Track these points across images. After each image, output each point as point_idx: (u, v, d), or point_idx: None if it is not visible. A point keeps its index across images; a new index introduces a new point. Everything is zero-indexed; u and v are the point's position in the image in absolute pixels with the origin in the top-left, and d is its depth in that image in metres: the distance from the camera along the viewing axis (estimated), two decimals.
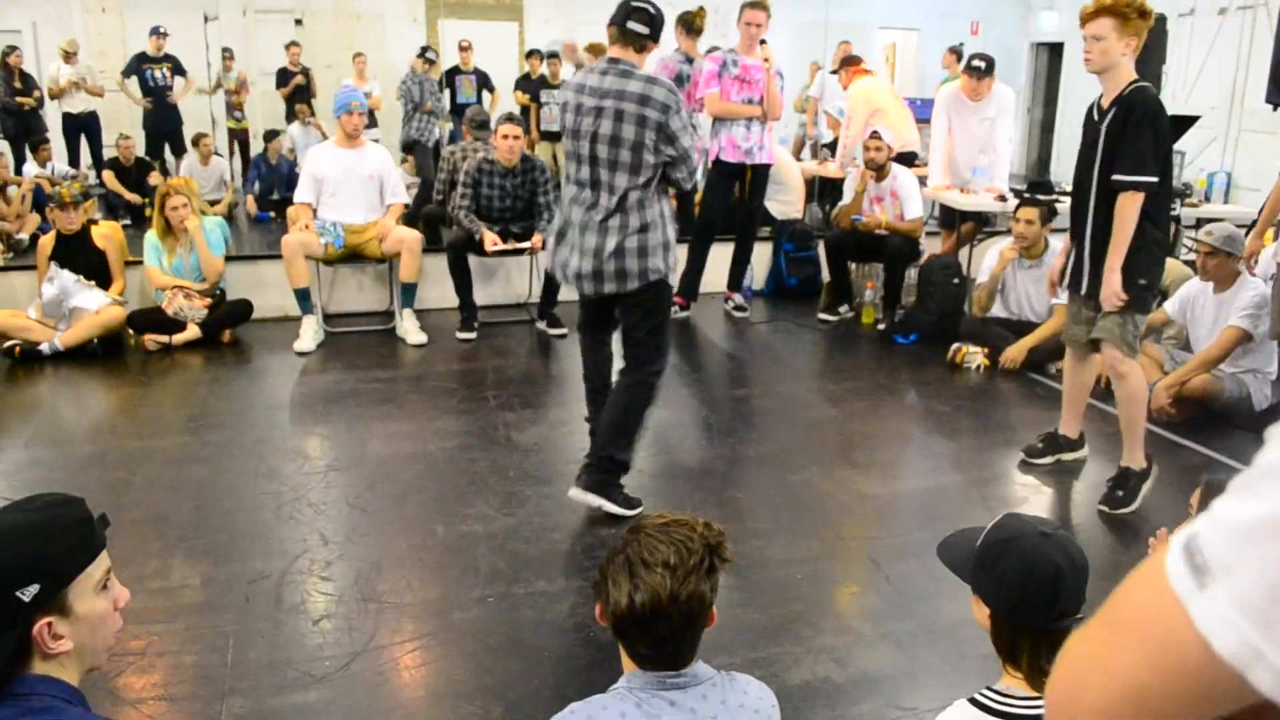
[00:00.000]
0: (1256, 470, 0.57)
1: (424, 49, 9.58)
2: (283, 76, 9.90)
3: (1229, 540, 0.55)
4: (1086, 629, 0.64)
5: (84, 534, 1.53)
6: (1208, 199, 7.53)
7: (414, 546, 3.54)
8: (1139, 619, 0.59)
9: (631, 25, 3.58)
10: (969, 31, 12.16)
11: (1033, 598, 1.79)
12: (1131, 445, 3.99)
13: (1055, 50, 13.01)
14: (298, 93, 9.85)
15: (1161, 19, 7.40)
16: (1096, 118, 3.74)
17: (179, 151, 9.43)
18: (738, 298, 6.77)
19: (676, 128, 3.52)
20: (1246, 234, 5.12)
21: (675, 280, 3.83)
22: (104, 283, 5.79)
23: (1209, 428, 4.84)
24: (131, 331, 5.78)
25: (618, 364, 3.92)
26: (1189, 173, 7.82)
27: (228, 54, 9.81)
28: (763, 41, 6.16)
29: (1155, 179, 3.58)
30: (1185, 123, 7.32)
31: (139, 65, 9.18)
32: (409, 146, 9.14)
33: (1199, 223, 6.23)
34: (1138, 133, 3.57)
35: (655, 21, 3.62)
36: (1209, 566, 0.55)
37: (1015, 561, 1.81)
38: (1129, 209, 3.62)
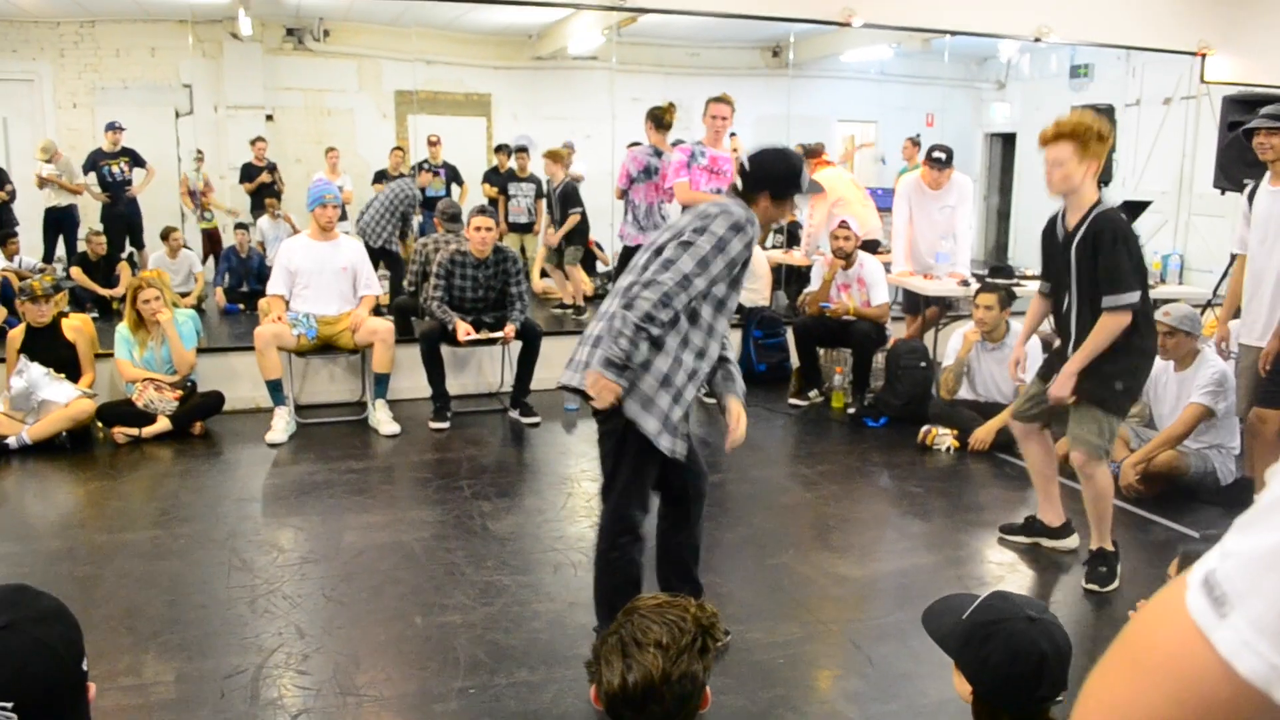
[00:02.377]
0: (1263, 505, 0.60)
1: (423, 163, 9.76)
2: (247, 171, 9.98)
3: (1245, 571, 0.59)
4: (1104, 672, 0.67)
5: None
6: (1163, 280, 7.74)
7: (392, 638, 3.50)
8: (1161, 656, 0.62)
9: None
10: (925, 123, 12.50)
11: (1016, 682, 1.82)
12: (1101, 532, 4.05)
13: (1009, 140, 13.39)
14: (264, 187, 9.93)
15: (1110, 109, 7.67)
16: (1061, 236, 3.87)
17: (138, 245, 9.44)
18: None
19: (700, 240, 3.04)
20: (1201, 312, 5.27)
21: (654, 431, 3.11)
22: (73, 376, 5.76)
23: (1176, 503, 4.92)
24: (101, 424, 5.74)
25: None
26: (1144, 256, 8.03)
27: (199, 155, 9.90)
28: (732, 134, 6.33)
29: (1138, 296, 3.71)
30: (1138, 208, 7.56)
31: (95, 161, 9.22)
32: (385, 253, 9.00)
33: (1156, 304, 6.38)
34: (1113, 255, 3.68)
35: (749, 174, 3.25)
36: (1227, 597, 0.59)
37: (1001, 646, 1.83)
38: (1112, 327, 3.73)
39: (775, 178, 3.24)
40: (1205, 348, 5.15)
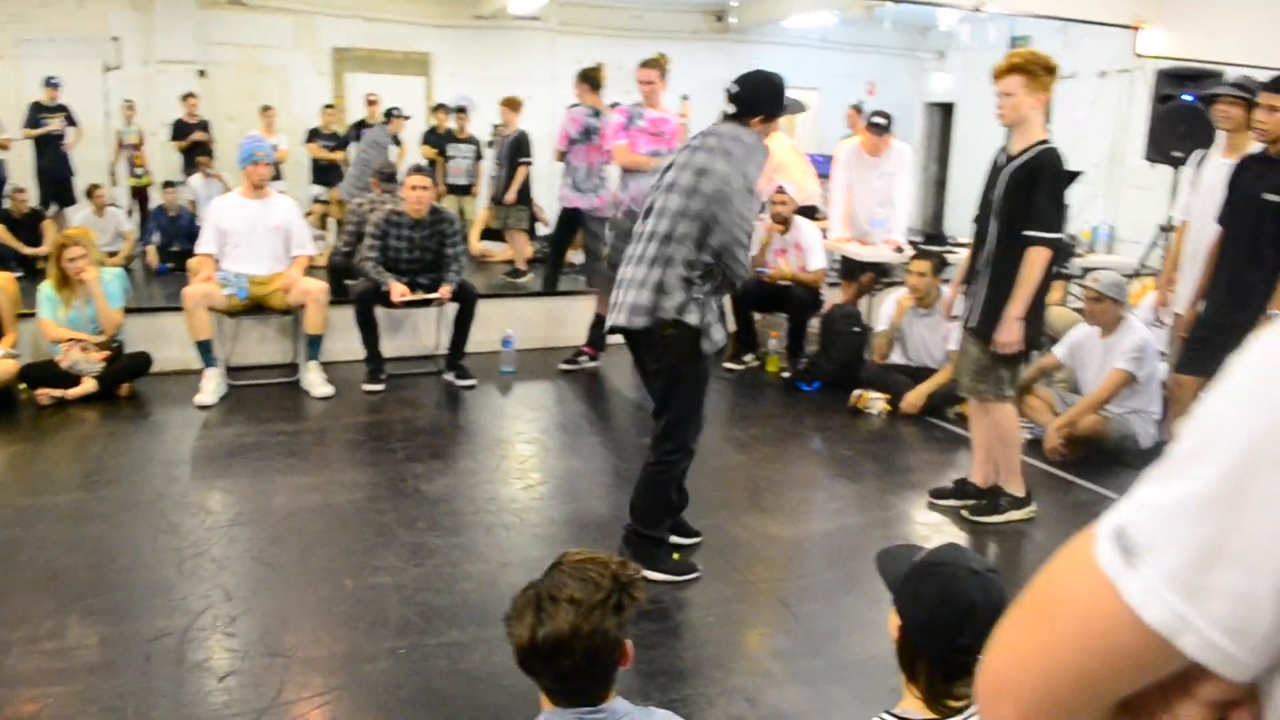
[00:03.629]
0: (1176, 457, 0.62)
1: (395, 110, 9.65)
2: (179, 129, 9.75)
3: (1154, 521, 0.61)
4: (1015, 619, 0.68)
5: None
6: (1093, 250, 7.88)
7: (322, 600, 3.49)
8: (1070, 603, 0.64)
9: (724, 105, 3.52)
10: (866, 91, 12.56)
11: (940, 622, 1.87)
12: (1006, 474, 4.17)
13: (947, 110, 13.51)
14: (196, 145, 9.72)
15: None
16: (1002, 162, 3.95)
17: (69, 201, 9.22)
18: None
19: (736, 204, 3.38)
20: (1129, 281, 5.39)
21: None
22: None
23: (1098, 466, 5.04)
24: (24, 386, 5.59)
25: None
26: (1074, 225, 8.16)
27: (129, 105, 9.64)
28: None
29: (1060, 235, 3.80)
30: (1070, 178, 7.66)
31: (35, 115, 9.00)
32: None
33: (1085, 272, 6.51)
34: (1043, 190, 3.79)
35: (739, 97, 3.48)
36: (1137, 547, 0.60)
37: (936, 585, 1.89)
38: (1039, 261, 3.82)
39: (766, 99, 3.48)
40: (1130, 315, 5.27)
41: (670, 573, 3.61)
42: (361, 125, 10.03)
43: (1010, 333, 3.89)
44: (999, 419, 4.10)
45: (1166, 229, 7.38)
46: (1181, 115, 7.18)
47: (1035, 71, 3.77)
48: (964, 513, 4.13)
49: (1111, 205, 9.73)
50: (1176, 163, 7.21)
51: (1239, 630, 0.57)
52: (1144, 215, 8.77)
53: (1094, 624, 0.62)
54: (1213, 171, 4.73)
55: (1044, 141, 3.88)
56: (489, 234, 9.87)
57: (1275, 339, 0.60)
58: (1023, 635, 0.68)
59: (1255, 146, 4.44)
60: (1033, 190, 3.81)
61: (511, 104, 9.08)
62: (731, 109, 3.46)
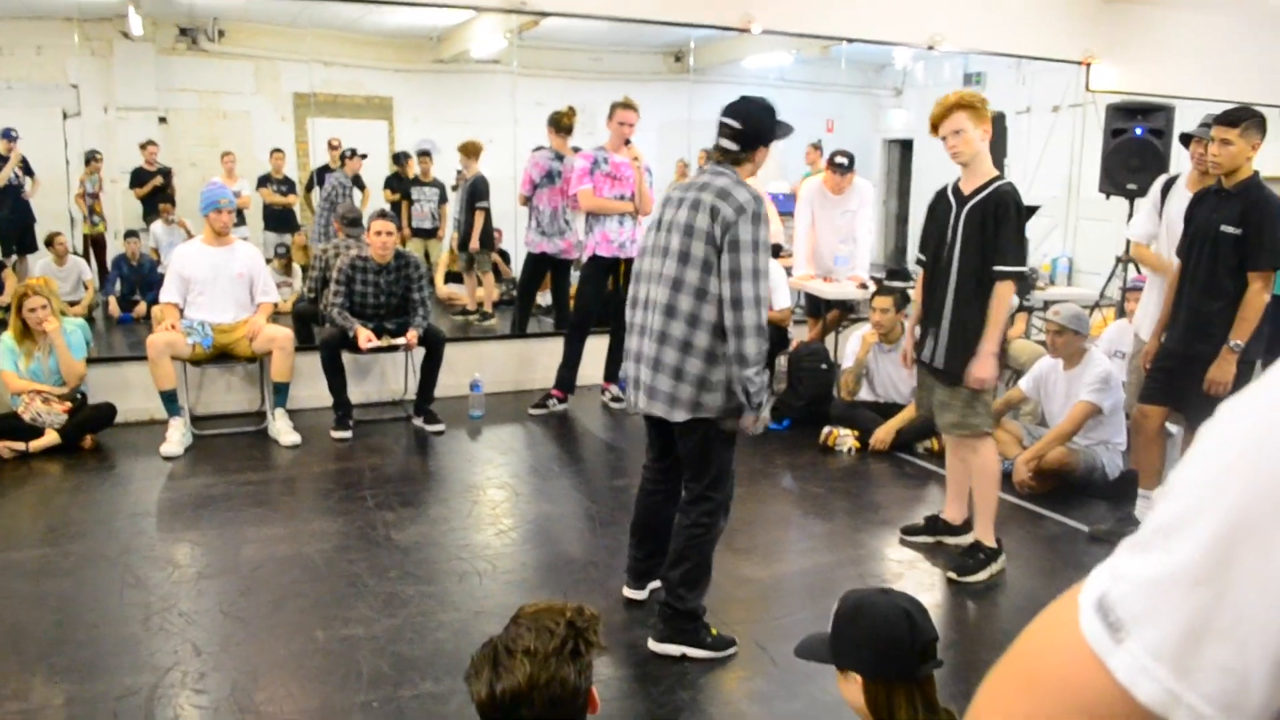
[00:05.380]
0: (1153, 527, 0.61)
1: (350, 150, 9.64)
2: (139, 176, 9.68)
3: (1139, 595, 0.60)
4: (997, 686, 0.68)
5: None
6: (1052, 282, 8.00)
7: (293, 653, 3.44)
8: (1055, 675, 0.63)
9: (721, 142, 3.37)
10: (825, 129, 12.72)
11: (892, 643, 1.92)
12: (984, 520, 4.19)
13: (906, 146, 13.70)
14: (157, 192, 9.65)
15: (1001, 115, 7.90)
16: (954, 202, 4.00)
17: (28, 249, 9.12)
18: (614, 389, 6.81)
19: (745, 237, 3.15)
20: (1090, 313, 5.48)
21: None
22: None
23: (1067, 498, 5.10)
24: None
25: None
26: (1034, 258, 8.29)
27: (96, 156, 9.57)
28: (627, 142, 6.34)
29: (1025, 268, 3.89)
30: (1028, 212, 7.79)
31: None
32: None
33: (1046, 305, 6.60)
34: (1008, 226, 3.85)
35: (744, 133, 3.33)
36: (1123, 622, 0.60)
37: (867, 621, 1.94)
38: (1006, 296, 3.90)
39: (770, 127, 3.37)
40: (1092, 347, 5.34)
41: (713, 649, 3.44)
42: (324, 170, 10.01)
43: (986, 368, 3.93)
44: (984, 456, 4.12)
45: (1124, 260, 7.52)
46: (1134, 148, 7.34)
47: (975, 105, 3.84)
48: (950, 575, 4.12)
49: (1069, 237, 9.90)
50: (1131, 195, 7.36)
51: (1232, 705, 0.57)
52: (1102, 247, 8.93)
53: (1081, 698, 0.62)
54: (1176, 203, 4.82)
55: (999, 177, 3.96)
56: (452, 277, 9.87)
57: (1249, 403, 0.60)
58: (1007, 704, 0.67)
59: None
60: (998, 226, 3.86)
61: (468, 149, 9.12)
62: (734, 145, 3.32)
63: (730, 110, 3.37)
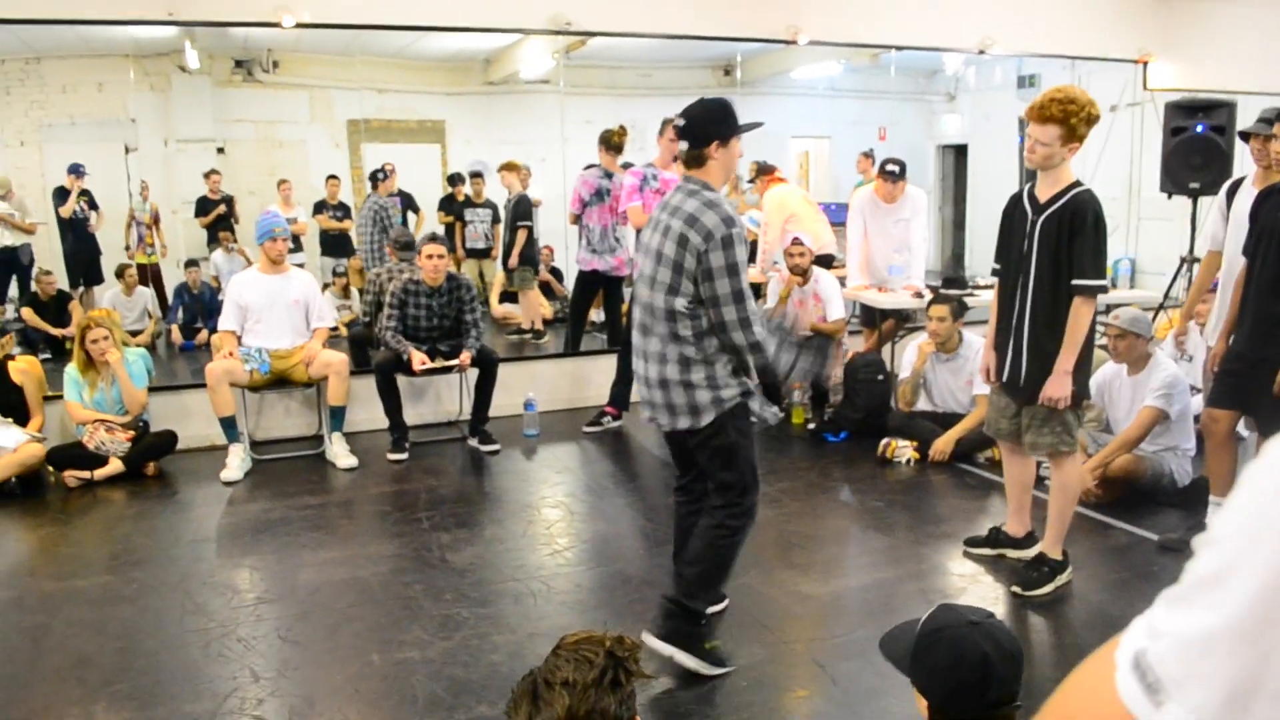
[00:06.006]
0: (1191, 582, 0.57)
1: (375, 171, 9.74)
2: (203, 205, 9.88)
3: (1179, 655, 0.56)
4: None
5: None
6: (1115, 285, 7.82)
7: (349, 678, 3.44)
8: None
9: (679, 145, 3.38)
10: (877, 137, 12.61)
11: (964, 686, 1.83)
12: (1054, 535, 4.07)
13: (960, 151, 13.53)
14: (220, 220, 9.83)
15: None
16: (1030, 210, 3.84)
17: (94, 281, 9.33)
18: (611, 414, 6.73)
19: (715, 265, 3.17)
20: (1153, 317, 5.32)
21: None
22: (21, 419, 5.65)
23: (1134, 506, 4.95)
24: (51, 469, 5.63)
25: None
26: None
27: (144, 186, 9.78)
28: (676, 158, 6.31)
29: (1105, 282, 3.74)
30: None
31: (62, 199, 9.18)
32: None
33: (1108, 308, 6.44)
34: (1086, 237, 3.67)
35: (689, 129, 3.34)
36: (1162, 683, 0.56)
37: (944, 651, 1.86)
38: (1085, 313, 3.74)
39: (716, 121, 3.33)
40: (1158, 351, 5.20)
41: (704, 662, 3.38)
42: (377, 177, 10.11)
43: (1060, 388, 3.78)
44: (1066, 473, 3.99)
45: (1189, 260, 7.33)
46: (1195, 146, 7.17)
47: (1075, 126, 3.63)
48: (1015, 589, 4.02)
49: (1131, 239, 9.68)
50: (1193, 194, 7.18)
51: None
52: (1164, 247, 8.72)
53: None
54: (1243, 201, 4.67)
55: (1077, 184, 3.76)
56: (508, 296, 9.92)
57: None
58: None
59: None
60: (1073, 237, 3.69)
61: (510, 167, 9.20)
62: (684, 143, 3.34)
63: (682, 111, 3.39)
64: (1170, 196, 7.51)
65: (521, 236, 9.04)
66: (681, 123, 3.35)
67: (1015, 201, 3.96)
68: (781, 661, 3.58)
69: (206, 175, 9.89)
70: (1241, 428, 4.57)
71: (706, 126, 3.32)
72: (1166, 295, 7.63)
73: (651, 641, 3.38)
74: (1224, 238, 4.83)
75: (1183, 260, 7.52)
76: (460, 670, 3.45)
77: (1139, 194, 9.60)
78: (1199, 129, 7.16)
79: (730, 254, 3.18)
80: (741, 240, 3.24)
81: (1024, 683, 3.19)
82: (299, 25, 6.21)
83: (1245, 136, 4.81)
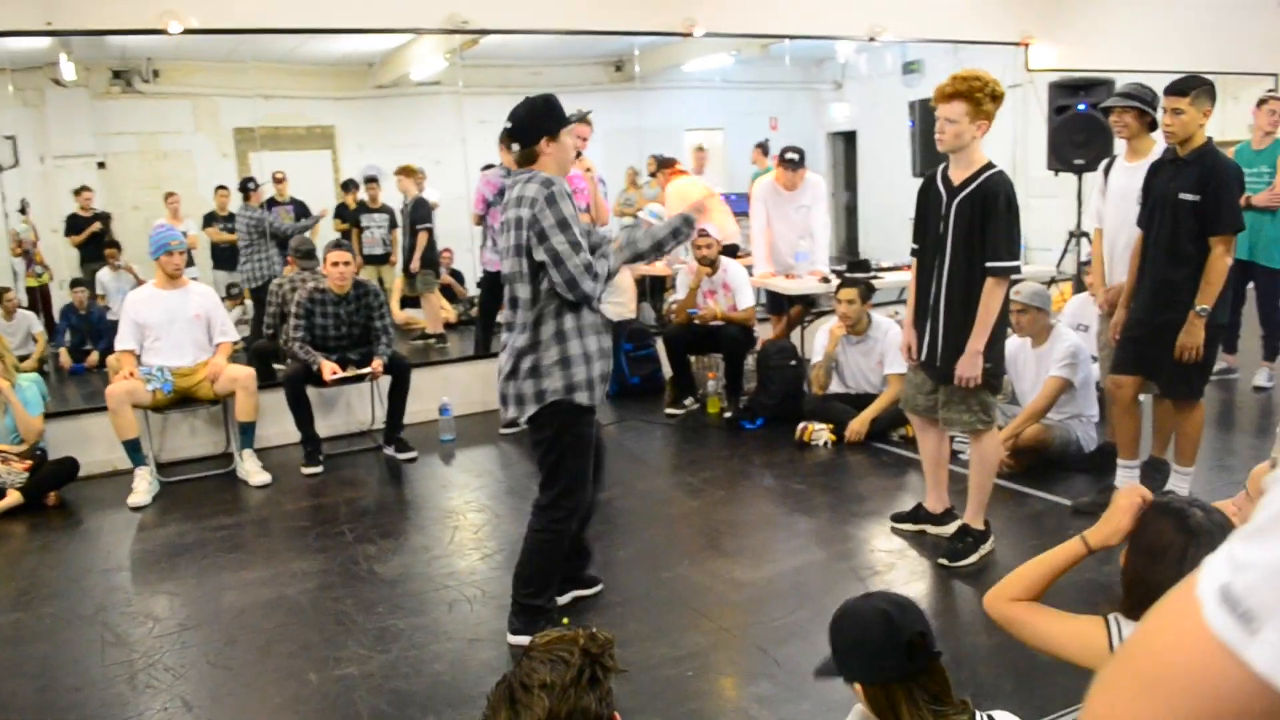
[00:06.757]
0: (1271, 514, 0.59)
1: (245, 180, 9.45)
2: (74, 223, 9.47)
3: (1269, 583, 0.57)
4: (1112, 694, 0.65)
5: None
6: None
7: (288, 699, 3.35)
8: (1182, 676, 0.60)
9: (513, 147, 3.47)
10: (769, 127, 12.77)
11: (876, 646, 1.92)
12: (975, 506, 4.18)
13: (849, 138, 13.79)
14: (94, 238, 9.44)
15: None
16: (944, 192, 3.92)
17: None
18: None
19: (546, 224, 3.25)
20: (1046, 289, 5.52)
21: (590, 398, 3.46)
22: None
23: (1046, 474, 5.13)
24: None
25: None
26: None
27: (23, 206, 9.36)
28: (578, 154, 6.30)
29: (1019, 263, 3.83)
30: None
31: None
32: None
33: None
34: (999, 219, 3.76)
35: (517, 130, 3.40)
36: (1254, 612, 0.57)
37: (849, 627, 1.97)
38: (997, 294, 3.84)
39: (546, 116, 3.39)
40: (1058, 323, 5.38)
41: None
42: (272, 203, 9.87)
43: (972, 367, 3.89)
44: (984, 446, 4.11)
45: (1077, 235, 7.60)
46: (1078, 124, 7.42)
47: (980, 100, 3.74)
48: (941, 561, 4.11)
49: (1023, 218, 9.98)
50: (1078, 170, 7.44)
51: None
52: (1051, 223, 9.03)
53: (1214, 694, 0.59)
54: (1119, 176, 4.85)
55: (989, 166, 3.86)
56: (408, 301, 9.78)
57: None
58: (1126, 707, 0.64)
59: (1158, 149, 4.58)
60: (985, 220, 3.79)
61: (406, 171, 9.09)
62: (516, 145, 3.40)
63: (508, 114, 3.45)
64: (1057, 174, 7.77)
65: (422, 240, 8.93)
66: (509, 125, 3.41)
67: (929, 182, 4.05)
68: (724, 649, 3.61)
69: (76, 192, 9.47)
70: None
71: (534, 123, 3.38)
72: (1058, 268, 7.90)
73: (511, 638, 3.55)
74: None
75: (1071, 234, 7.80)
76: (403, 683, 3.39)
77: (1025, 173, 9.91)
78: (1081, 108, 7.42)
79: (559, 209, 3.26)
80: (565, 195, 3.30)
81: (954, 648, 3.28)
82: (187, 31, 6.02)
83: (1106, 112, 4.98)
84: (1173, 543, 1.86)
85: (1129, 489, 1.99)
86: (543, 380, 3.39)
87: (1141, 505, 1.95)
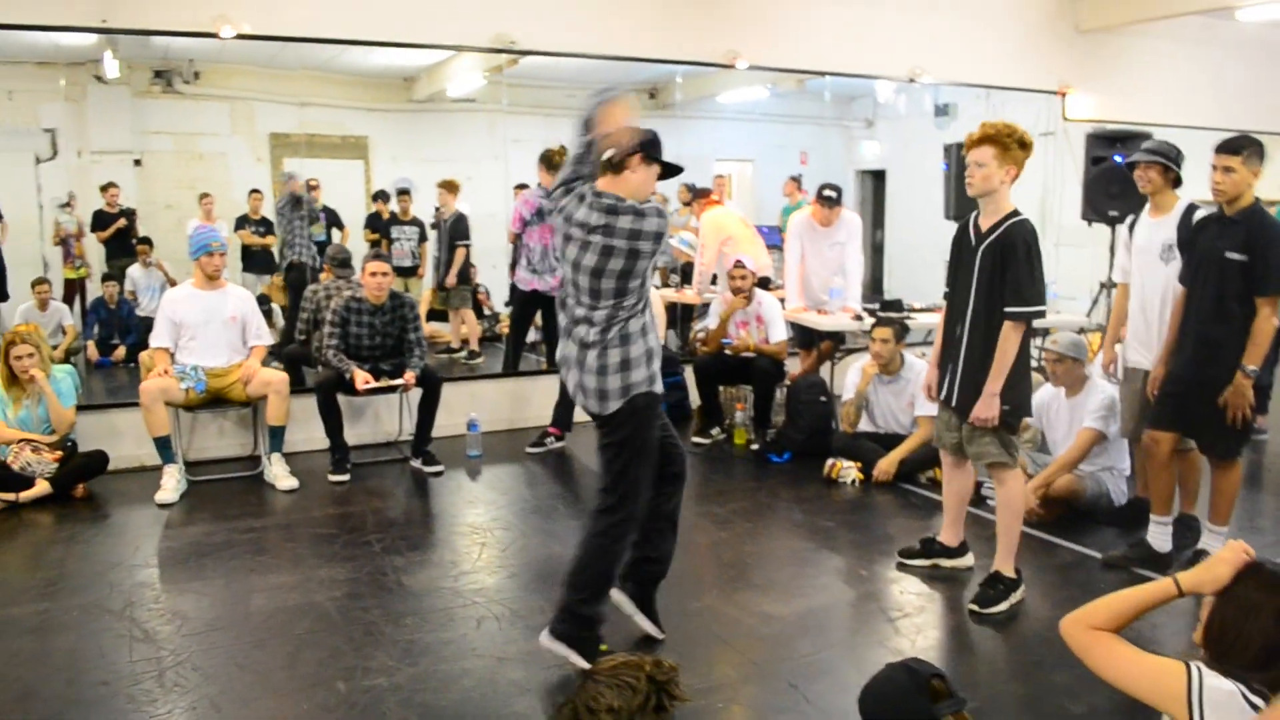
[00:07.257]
0: None
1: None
2: (100, 219, 9.52)
3: None
4: None
5: None
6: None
7: (317, 706, 3.34)
8: None
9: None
10: (799, 161, 12.81)
11: (902, 692, 1.97)
12: (1004, 551, 4.18)
13: (879, 176, 13.83)
14: (120, 235, 9.48)
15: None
16: (973, 239, 4.00)
17: (2, 297, 8.94)
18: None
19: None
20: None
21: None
22: None
23: (1075, 525, 5.11)
24: None
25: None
26: None
27: (71, 198, 9.42)
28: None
29: (1040, 310, 3.86)
30: None
31: None
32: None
33: (1046, 332, 6.63)
34: (1019, 266, 3.83)
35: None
36: None
37: (875, 689, 2.04)
38: (1013, 338, 3.88)
39: (639, 142, 3.40)
40: (1093, 374, 5.37)
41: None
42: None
43: (988, 408, 3.93)
44: (1009, 488, 4.12)
45: (1108, 285, 7.60)
46: (1114, 175, 7.44)
47: (1008, 144, 3.85)
48: (972, 607, 4.11)
49: (1051, 264, 9.99)
50: (1112, 221, 7.45)
51: None
52: (1083, 272, 9.04)
53: None
54: (1142, 231, 4.84)
55: (1014, 214, 3.95)
56: (434, 315, 9.81)
57: None
58: None
59: (1180, 206, 4.59)
60: (1006, 266, 3.86)
61: (448, 186, 9.14)
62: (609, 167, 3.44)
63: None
64: (1090, 224, 7.78)
65: (460, 255, 8.96)
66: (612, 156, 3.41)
67: (962, 230, 4.14)
68: (754, 683, 3.58)
69: (103, 189, 9.53)
70: None
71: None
72: (1088, 317, 7.90)
73: (546, 641, 3.44)
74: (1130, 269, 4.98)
75: (1101, 285, 7.80)
76: (432, 697, 3.37)
77: (1056, 221, 9.93)
78: (1117, 159, 7.44)
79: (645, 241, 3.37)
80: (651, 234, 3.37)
81: (983, 696, 3.26)
82: (239, 36, 6.07)
83: (1131, 166, 4.98)
84: (1266, 602, 1.86)
85: (1234, 544, 2.02)
86: (630, 374, 3.41)
87: (1246, 561, 1.96)
